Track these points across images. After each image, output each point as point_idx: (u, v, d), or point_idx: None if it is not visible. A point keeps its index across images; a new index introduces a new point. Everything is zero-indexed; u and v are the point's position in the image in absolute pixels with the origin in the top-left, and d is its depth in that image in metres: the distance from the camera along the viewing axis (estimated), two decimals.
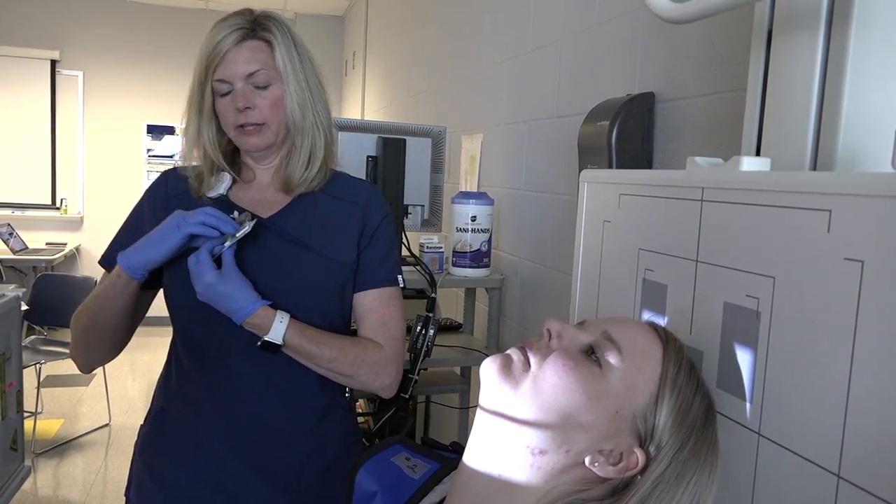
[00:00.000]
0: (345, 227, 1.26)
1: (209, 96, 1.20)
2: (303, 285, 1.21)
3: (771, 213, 0.67)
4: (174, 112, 6.29)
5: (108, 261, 1.24)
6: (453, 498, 0.78)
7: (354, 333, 1.29)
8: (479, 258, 2.02)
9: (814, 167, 0.76)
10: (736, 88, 1.23)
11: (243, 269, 1.15)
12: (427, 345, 1.97)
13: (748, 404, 0.70)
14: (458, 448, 0.99)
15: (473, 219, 2.00)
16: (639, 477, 0.68)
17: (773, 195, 0.67)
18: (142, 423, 1.33)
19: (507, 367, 0.73)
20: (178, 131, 6.30)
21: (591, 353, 0.72)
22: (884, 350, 0.55)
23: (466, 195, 2.03)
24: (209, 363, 1.22)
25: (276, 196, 1.27)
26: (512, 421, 0.72)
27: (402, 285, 1.31)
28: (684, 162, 1.37)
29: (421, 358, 2.01)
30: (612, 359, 0.70)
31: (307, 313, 1.20)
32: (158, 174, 1.35)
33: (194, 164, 1.27)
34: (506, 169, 2.24)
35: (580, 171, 1.59)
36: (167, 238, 1.11)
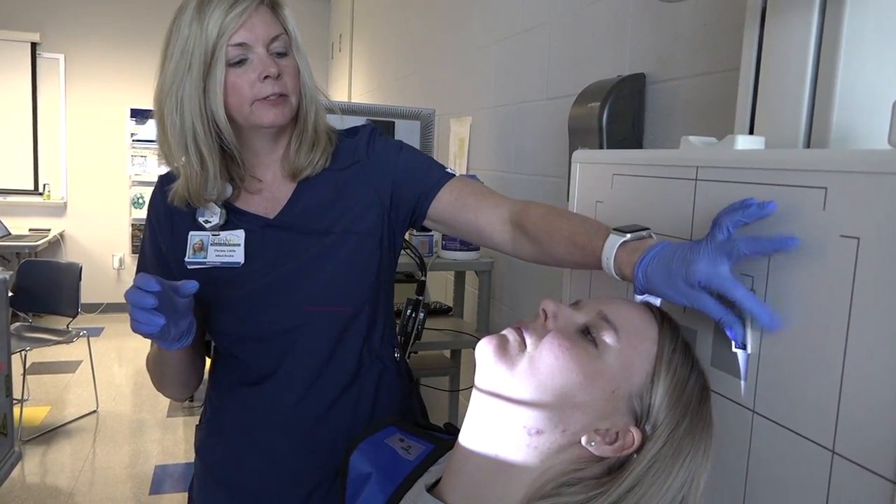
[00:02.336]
0: (359, 193, 1.18)
1: (220, 71, 1.06)
2: (333, 270, 1.15)
3: (766, 190, 0.67)
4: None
5: None
6: (449, 479, 0.78)
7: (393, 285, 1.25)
8: (468, 241, 2.02)
9: (807, 145, 0.76)
10: (727, 69, 1.23)
11: (259, 274, 1.14)
12: (417, 328, 1.97)
13: (742, 382, 0.70)
14: (452, 429, 0.99)
15: None
16: (635, 456, 0.68)
17: (768, 173, 0.67)
18: (197, 424, 1.32)
19: (503, 347, 0.73)
20: None
21: (586, 333, 0.72)
22: (879, 326, 0.55)
23: None
24: (260, 355, 1.19)
25: (283, 189, 1.19)
26: (508, 401, 0.72)
27: (454, 172, 1.20)
28: (675, 143, 1.37)
29: (411, 341, 2.01)
30: (608, 338, 0.70)
31: (347, 297, 1.16)
32: (156, 181, 1.24)
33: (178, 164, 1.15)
34: (495, 151, 2.24)
35: (571, 153, 1.59)
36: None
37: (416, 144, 2.20)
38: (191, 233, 1.15)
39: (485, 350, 0.74)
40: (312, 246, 1.16)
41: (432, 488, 0.81)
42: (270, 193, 1.19)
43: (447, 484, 0.78)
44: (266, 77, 1.07)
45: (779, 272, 0.66)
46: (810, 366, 0.62)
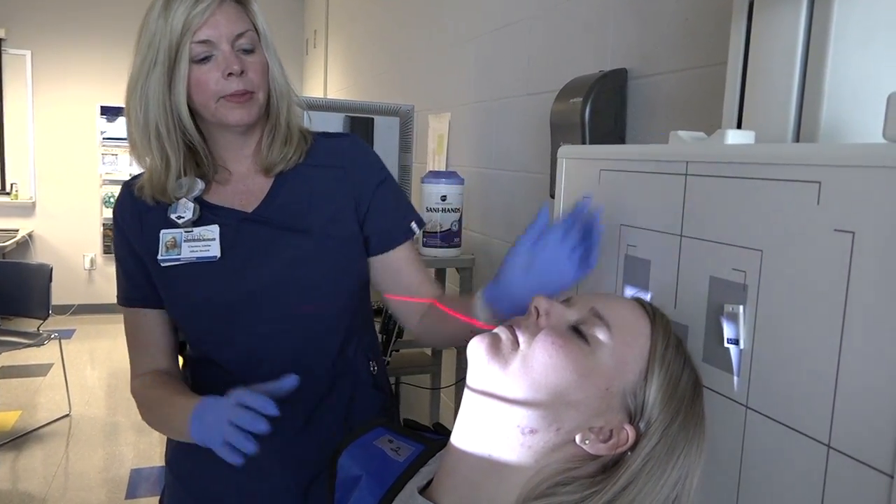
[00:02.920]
0: (337, 199, 1.18)
1: (184, 67, 1.05)
2: (313, 274, 1.14)
3: (758, 185, 0.67)
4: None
5: (125, 300, 1.19)
6: (442, 480, 0.77)
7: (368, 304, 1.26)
8: (449, 238, 2.01)
9: (797, 139, 0.76)
10: (710, 63, 1.23)
11: (239, 271, 1.11)
12: (399, 326, 1.95)
13: (735, 377, 0.70)
14: (442, 429, 0.98)
15: (443, 198, 1.98)
16: (629, 453, 0.68)
17: (760, 168, 0.67)
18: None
19: (495, 346, 0.72)
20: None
21: (579, 331, 0.71)
22: (875, 320, 0.55)
23: (436, 174, 2.01)
24: (234, 358, 1.17)
25: (257, 182, 1.17)
26: (501, 401, 0.71)
27: (416, 231, 1.24)
28: (658, 138, 1.38)
29: (393, 339, 1.99)
30: (601, 335, 0.70)
31: (325, 303, 1.15)
32: (120, 187, 1.21)
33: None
34: (475, 148, 2.23)
35: (552, 149, 1.58)
36: (215, 444, 0.97)
37: (394, 141, 2.18)
38: (162, 231, 1.12)
39: (477, 349, 0.73)
40: (293, 244, 1.14)
41: (424, 490, 0.80)
42: (244, 186, 1.17)
43: (440, 485, 0.77)
44: (230, 74, 1.05)
45: (771, 267, 0.65)
46: (805, 360, 0.62)
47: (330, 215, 1.16)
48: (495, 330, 0.75)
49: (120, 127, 6.11)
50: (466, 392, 0.76)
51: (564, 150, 1.03)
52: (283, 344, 1.13)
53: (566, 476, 0.68)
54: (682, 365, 0.71)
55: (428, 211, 1.98)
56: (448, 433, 0.97)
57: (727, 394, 0.71)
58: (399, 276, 1.20)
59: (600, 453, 0.68)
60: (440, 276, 2.28)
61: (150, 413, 1.12)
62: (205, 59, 1.06)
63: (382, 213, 1.20)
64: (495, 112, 2.08)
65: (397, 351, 2.10)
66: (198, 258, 1.11)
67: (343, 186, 1.19)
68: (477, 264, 2.10)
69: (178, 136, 1.10)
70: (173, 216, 1.12)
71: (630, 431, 0.67)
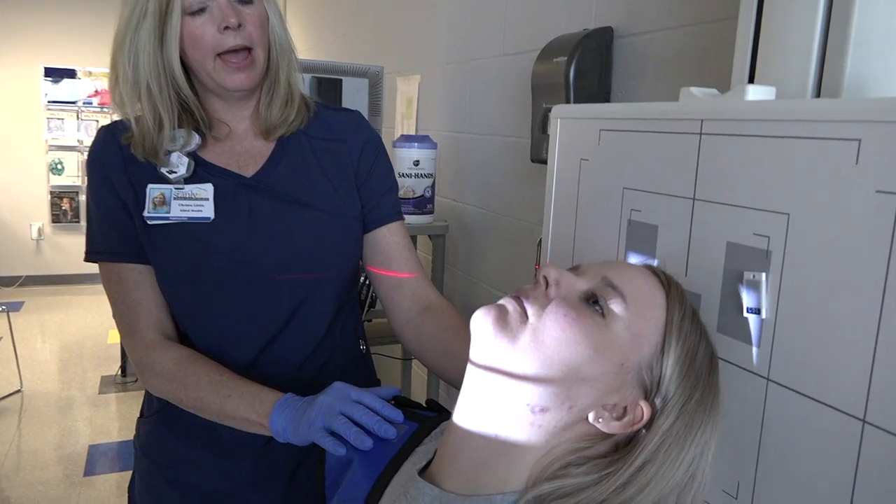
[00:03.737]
0: (342, 174, 1.12)
1: (176, 19, 0.96)
2: (313, 251, 1.07)
3: (785, 144, 0.62)
4: (75, 53, 5.79)
5: (98, 254, 1.06)
6: (444, 462, 0.72)
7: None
8: (422, 204, 1.94)
9: (817, 95, 0.71)
10: (701, 21, 1.18)
11: (233, 238, 1.02)
12: (371, 296, 1.89)
13: (755, 349, 0.66)
14: (436, 406, 0.93)
15: (416, 163, 1.91)
16: (644, 431, 0.64)
17: (787, 125, 0.62)
18: (139, 417, 1.20)
19: (502, 319, 0.67)
20: (80, 74, 5.82)
21: (592, 302, 0.66)
22: None
23: (408, 139, 1.93)
24: (217, 331, 1.08)
25: (256, 145, 1.09)
26: (510, 377, 0.66)
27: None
28: (646, 99, 1.33)
29: (365, 309, 1.93)
30: (616, 307, 0.65)
31: (320, 280, 1.08)
32: (98, 131, 1.09)
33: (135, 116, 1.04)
34: (448, 111, 2.15)
35: (534, 112, 1.52)
36: (313, 430, 0.87)
37: (364, 104, 2.09)
38: (150, 185, 1.02)
39: (482, 323, 0.68)
40: (293, 216, 1.06)
41: (423, 471, 0.75)
42: (242, 147, 1.08)
43: (441, 467, 0.72)
44: (226, 28, 0.97)
45: (800, 232, 0.61)
46: (837, 331, 0.58)
47: (333, 190, 1.10)
48: (501, 301, 0.70)
49: (66, 89, 5.82)
50: (470, 368, 0.71)
51: (559, 110, 0.97)
52: (271, 320, 1.06)
53: (578, 456, 0.64)
54: (698, 336, 0.67)
55: (400, 176, 1.91)
56: (442, 410, 0.92)
57: (745, 365, 0.68)
58: (388, 260, 1.14)
59: (614, 432, 0.64)
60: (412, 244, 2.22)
61: (185, 390, 1.00)
62: (199, 11, 0.97)
63: (378, 190, 1.14)
64: (468, 74, 2.00)
65: (369, 321, 2.04)
66: (189, 218, 1.02)
67: (345, 161, 1.12)
68: (451, 231, 2.04)
69: (172, 95, 1.01)
70: (164, 170, 1.03)
71: (645, 408, 0.64)
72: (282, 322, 1.07)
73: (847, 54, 0.68)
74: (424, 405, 0.93)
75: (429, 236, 2.05)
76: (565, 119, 0.96)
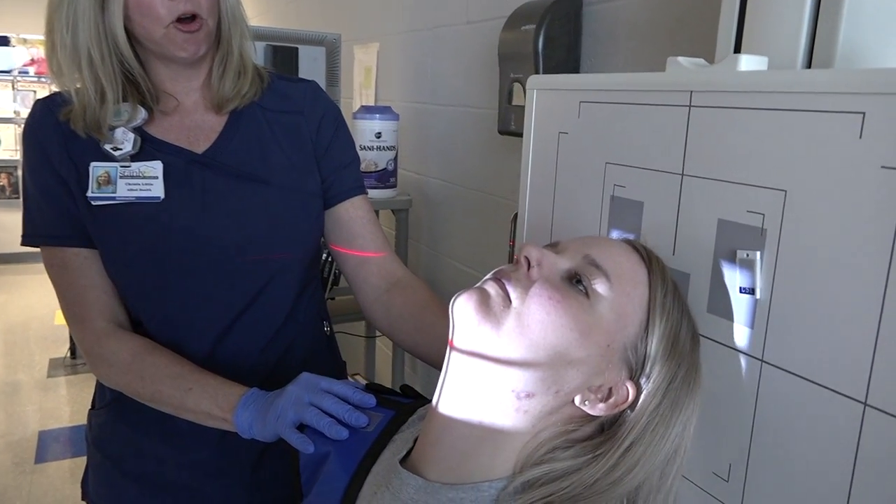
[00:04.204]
0: (300, 148, 1.06)
1: None
2: (272, 231, 1.02)
3: (781, 117, 0.60)
4: (9, 20, 5.47)
5: (37, 237, 0.98)
6: (426, 451, 0.69)
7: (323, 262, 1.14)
8: (385, 178, 1.89)
9: (808, 65, 0.69)
10: None
11: (185, 218, 0.96)
12: (334, 272, 1.84)
13: (748, 329, 0.64)
14: (411, 392, 0.89)
15: (378, 136, 1.85)
16: (629, 411, 0.63)
17: (784, 97, 0.59)
18: (90, 408, 1.13)
19: (485, 303, 0.64)
20: (14, 41, 5.50)
21: (576, 281, 0.64)
22: None
23: (369, 110, 1.87)
24: (172, 319, 1.02)
25: (207, 119, 1.02)
26: (495, 363, 0.63)
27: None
28: (615, 71, 1.30)
29: (328, 287, 1.88)
30: (601, 287, 0.63)
31: (280, 259, 1.03)
32: (34, 105, 1.00)
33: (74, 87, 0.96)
34: (409, 81, 2.09)
35: (502, 82, 1.48)
36: (281, 424, 0.83)
37: (321, 73, 2.01)
38: (93, 164, 0.95)
39: (464, 308, 0.64)
40: (248, 193, 1.00)
41: (404, 460, 0.72)
42: (192, 122, 1.01)
43: (423, 456, 0.69)
44: None
45: (798, 209, 0.59)
46: (837, 312, 0.56)
47: (290, 165, 1.04)
48: (481, 285, 0.67)
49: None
50: (452, 354, 0.68)
51: (535, 81, 0.93)
52: (230, 305, 1.01)
53: (565, 439, 0.63)
54: (681, 313, 0.66)
55: (362, 149, 1.84)
56: (418, 396, 0.89)
57: (738, 346, 0.66)
58: (353, 237, 1.10)
59: (600, 414, 0.63)
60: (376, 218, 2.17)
61: (142, 382, 0.94)
62: None
63: (338, 163, 1.09)
64: (430, 42, 1.94)
65: (332, 299, 1.99)
66: (137, 198, 0.95)
67: (303, 134, 1.06)
68: (414, 206, 2.00)
69: (115, 64, 0.93)
70: (108, 147, 0.95)
71: (631, 389, 0.62)
72: (241, 307, 1.02)
73: (840, 22, 0.66)
74: (399, 391, 0.90)
75: (392, 210, 2.00)
76: (542, 90, 0.92)
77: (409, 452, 0.73)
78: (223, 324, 1.01)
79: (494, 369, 0.63)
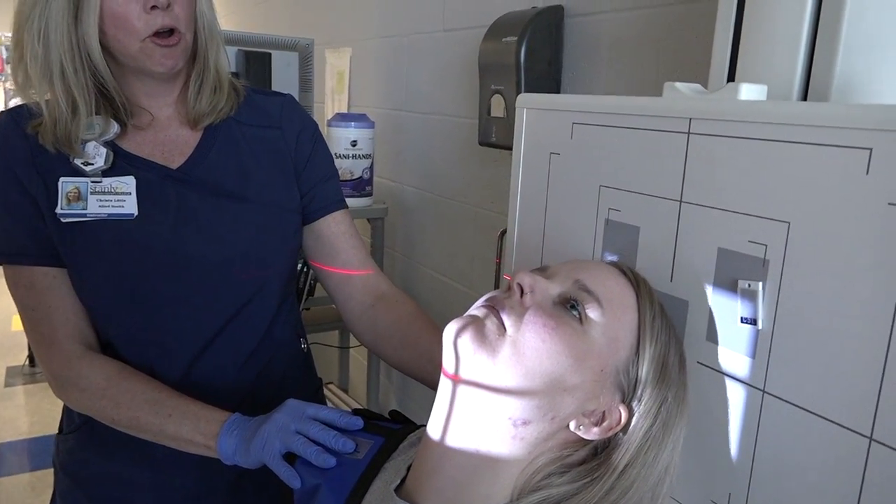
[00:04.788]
0: (278, 163, 1.03)
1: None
2: (250, 248, 0.99)
3: (785, 149, 0.60)
4: None
5: (21, 256, 0.93)
6: (422, 481, 0.68)
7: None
8: (360, 186, 1.87)
9: (804, 97, 0.69)
10: (663, 4, 1.15)
11: (160, 236, 0.93)
12: (309, 283, 1.82)
13: (750, 359, 0.64)
14: (400, 417, 0.88)
15: (354, 143, 1.83)
16: (621, 434, 0.64)
17: (791, 129, 0.59)
18: (57, 433, 1.08)
19: (480, 332, 0.64)
20: None
21: (569, 307, 0.64)
22: None
23: (345, 117, 1.84)
24: (144, 341, 0.98)
25: (182, 134, 0.99)
26: (491, 392, 0.63)
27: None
28: (597, 85, 1.30)
29: (304, 297, 1.85)
30: (593, 313, 0.64)
31: (257, 278, 1.00)
32: (0, 116, 0.95)
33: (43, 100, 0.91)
34: (384, 88, 2.07)
35: (482, 92, 1.47)
36: (267, 453, 0.81)
37: (294, 79, 1.98)
38: (62, 179, 0.91)
39: (459, 337, 0.64)
40: (225, 210, 0.97)
41: (398, 489, 0.70)
42: (166, 136, 0.98)
43: (420, 485, 0.68)
44: (153, 7, 0.86)
45: (801, 241, 0.59)
46: (842, 346, 0.56)
47: (268, 180, 1.01)
48: (474, 312, 0.66)
49: None
50: (445, 382, 0.67)
51: (525, 99, 0.92)
52: (206, 325, 0.98)
53: (560, 464, 0.64)
54: (668, 335, 0.67)
55: (337, 157, 1.82)
56: (406, 421, 0.87)
57: (738, 376, 0.66)
58: (336, 252, 1.07)
59: (594, 438, 0.63)
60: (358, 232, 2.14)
61: (118, 409, 0.91)
62: None
63: (318, 178, 1.07)
64: (405, 49, 1.92)
65: (307, 309, 1.95)
66: (109, 215, 0.92)
67: (281, 149, 1.04)
68: (390, 214, 1.98)
69: (88, 78, 0.90)
70: (79, 162, 0.91)
71: (623, 412, 0.63)
72: (218, 326, 0.99)
73: (837, 54, 0.66)
74: (388, 417, 0.88)
75: (367, 219, 1.97)
76: (532, 109, 0.91)
77: (402, 480, 0.71)
78: (199, 344, 0.98)
79: (491, 398, 0.63)
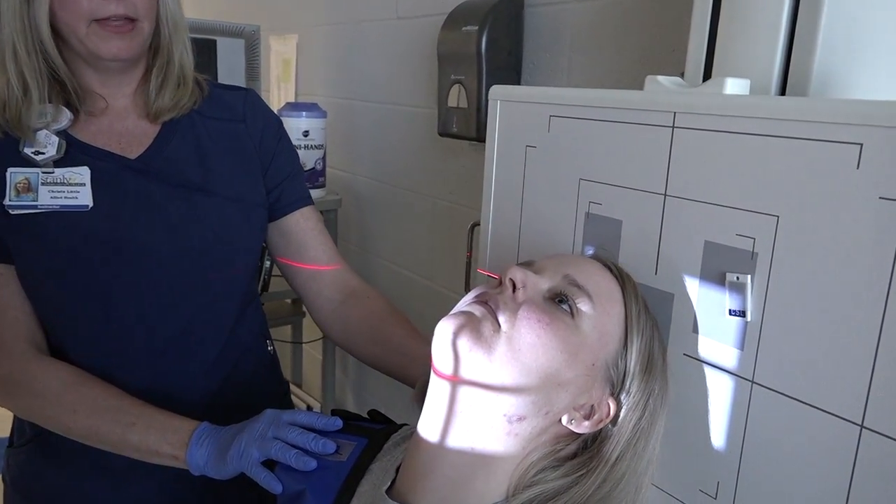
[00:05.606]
0: (242, 157, 1.00)
1: None
2: (215, 243, 0.95)
3: (773, 144, 0.60)
4: None
5: None
6: (416, 481, 0.67)
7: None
8: (314, 178, 1.82)
9: (781, 92, 0.70)
10: None
11: (117, 230, 0.88)
12: (264, 278, 1.77)
13: (738, 351, 0.65)
14: (380, 417, 0.86)
15: (306, 134, 1.78)
16: (610, 426, 0.65)
17: (779, 124, 0.60)
18: (7, 446, 1.01)
19: (475, 329, 0.63)
20: None
21: (559, 301, 0.64)
22: None
23: (296, 107, 1.79)
24: (100, 344, 0.93)
25: (140, 126, 0.95)
26: (486, 389, 0.62)
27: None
28: (559, 76, 1.30)
29: (258, 292, 1.80)
30: (584, 307, 0.64)
31: (220, 274, 0.96)
32: None
33: None
34: (333, 76, 2.02)
35: (441, 82, 1.45)
36: (245, 462, 0.78)
37: (240, 67, 1.91)
38: (10, 169, 0.86)
39: (453, 335, 0.63)
40: (188, 203, 0.93)
41: (388, 490, 0.69)
42: (123, 127, 0.94)
43: (412, 486, 0.67)
44: None
45: (790, 235, 0.60)
46: (834, 335, 0.57)
47: (232, 173, 0.98)
48: (467, 308, 0.65)
49: None
50: (437, 381, 0.66)
51: (499, 91, 0.91)
52: (169, 324, 0.93)
53: (553, 459, 0.64)
54: (652, 327, 0.68)
55: None
56: (387, 420, 0.86)
57: (726, 367, 0.67)
58: (304, 248, 1.05)
59: (585, 431, 0.64)
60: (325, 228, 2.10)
61: (75, 416, 0.86)
62: None
63: (285, 174, 1.04)
64: (356, 36, 1.88)
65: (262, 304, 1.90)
66: (62, 207, 0.87)
67: (245, 143, 1.00)
68: (344, 205, 1.94)
69: (40, 62, 0.85)
70: (28, 151, 0.86)
71: (612, 405, 0.64)
72: (181, 326, 0.95)
73: (815, 49, 0.67)
74: (367, 417, 0.86)
75: (321, 211, 1.93)
76: (507, 102, 0.90)
77: (392, 482, 0.70)
78: (160, 346, 0.94)
79: (486, 395, 0.63)
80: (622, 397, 0.65)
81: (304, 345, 2.16)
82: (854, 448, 0.57)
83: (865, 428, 0.56)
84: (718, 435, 0.68)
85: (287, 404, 1.16)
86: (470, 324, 0.63)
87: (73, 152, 0.89)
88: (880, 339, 0.55)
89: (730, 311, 0.65)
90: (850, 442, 0.57)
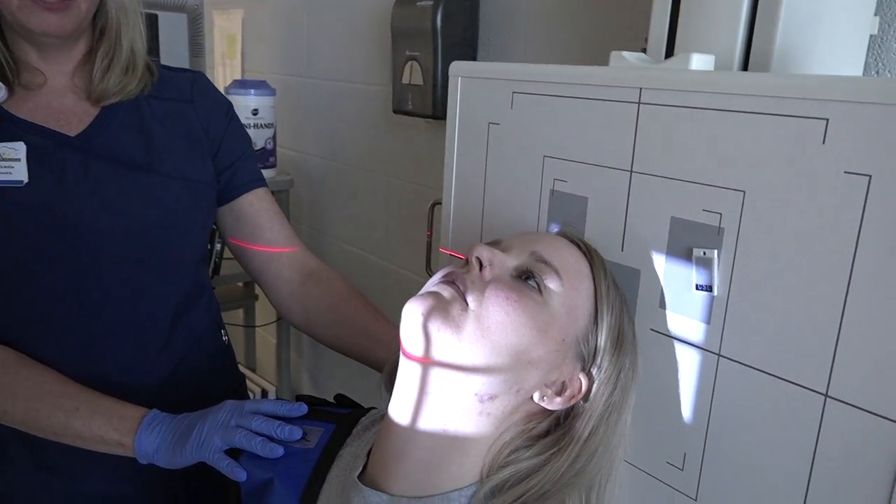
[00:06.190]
0: (189, 136, 0.96)
1: None
2: (162, 224, 0.92)
3: (739, 119, 0.61)
4: None
5: None
6: (388, 466, 0.66)
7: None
8: (264, 158, 1.78)
9: (744, 68, 0.71)
10: None
11: (54, 207, 0.85)
12: (215, 260, 1.72)
13: (705, 325, 0.66)
14: (346, 401, 0.85)
15: (255, 112, 1.73)
16: (583, 403, 0.65)
17: (745, 99, 0.60)
18: None
19: (443, 309, 0.62)
20: None
21: (526, 279, 0.64)
22: (889, 266, 0.53)
23: (244, 84, 1.74)
24: (44, 331, 0.89)
25: (80, 105, 0.91)
26: (457, 369, 0.62)
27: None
28: (515, 53, 1.29)
29: (210, 280, 1.75)
30: (552, 283, 0.64)
31: (175, 264, 0.94)
32: None
33: None
34: (281, 53, 1.96)
35: (395, 58, 1.42)
36: (206, 450, 0.76)
37: (184, 43, 1.84)
38: None
39: (421, 315, 0.62)
40: (133, 181, 0.90)
41: (360, 476, 0.68)
42: (62, 105, 0.89)
43: (385, 471, 0.66)
44: None
45: (757, 210, 0.61)
46: (798, 308, 0.59)
47: (177, 152, 0.94)
48: (434, 289, 0.65)
49: None
50: (406, 363, 0.65)
51: (460, 67, 0.89)
52: (112, 308, 0.90)
53: (525, 438, 0.64)
54: (622, 302, 0.68)
55: None
56: (354, 404, 0.84)
57: (693, 341, 0.67)
58: (260, 230, 1.03)
59: (557, 408, 0.64)
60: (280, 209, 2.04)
61: (14, 400, 0.83)
62: None
63: (236, 156, 1.01)
64: (304, 10, 1.83)
65: (213, 288, 1.85)
66: None
67: (192, 123, 0.97)
68: (295, 186, 1.90)
69: None
70: None
71: (584, 380, 0.64)
72: (125, 312, 0.91)
73: (777, 25, 0.68)
74: (333, 401, 0.85)
75: (273, 192, 1.88)
76: (467, 78, 0.89)
77: (364, 467, 0.69)
78: (100, 330, 0.90)
79: (456, 375, 0.62)
80: (593, 372, 0.65)
81: (257, 328, 2.11)
82: (819, 417, 0.58)
83: (830, 397, 0.58)
84: (685, 408, 0.69)
85: (242, 397, 1.14)
86: (438, 304, 0.62)
87: (8, 127, 0.86)
88: (844, 310, 0.56)
89: (696, 285, 0.66)
90: (814, 411, 0.59)
